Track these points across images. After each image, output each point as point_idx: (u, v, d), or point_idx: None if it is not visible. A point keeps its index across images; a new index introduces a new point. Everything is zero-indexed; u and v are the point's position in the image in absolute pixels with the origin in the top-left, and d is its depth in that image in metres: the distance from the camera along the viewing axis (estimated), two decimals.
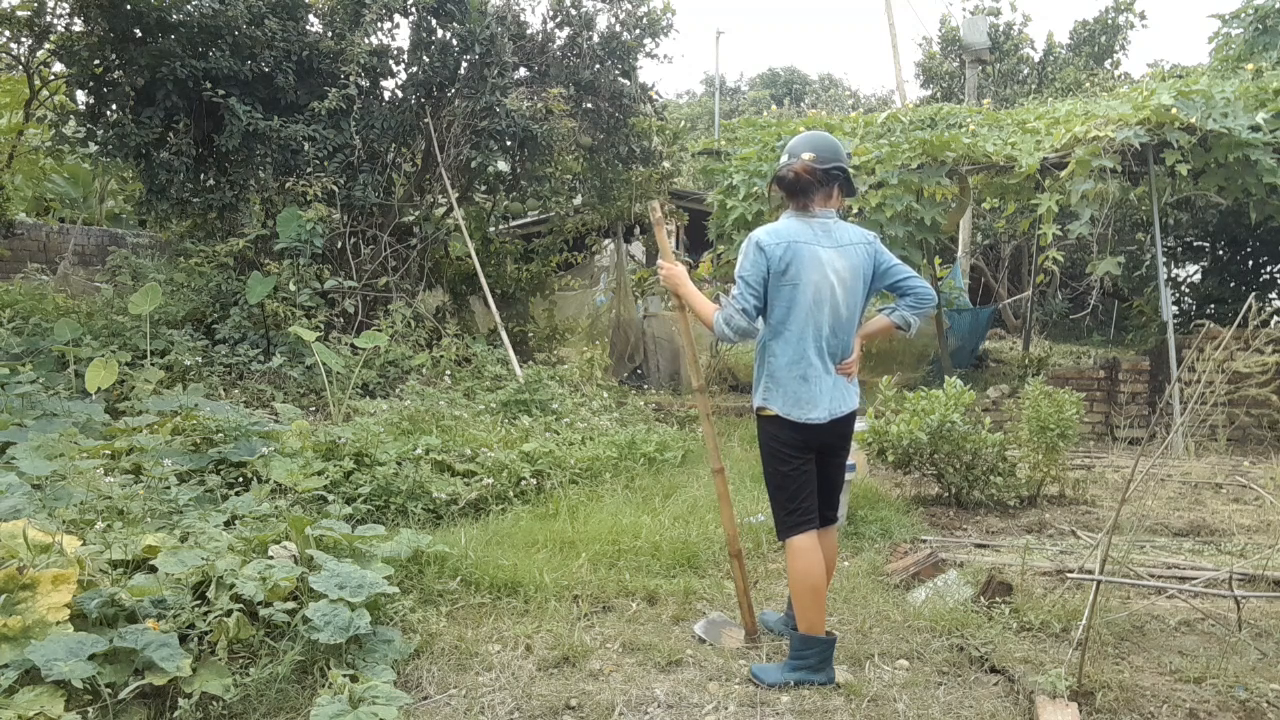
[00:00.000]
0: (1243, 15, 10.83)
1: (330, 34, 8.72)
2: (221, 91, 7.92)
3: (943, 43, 20.73)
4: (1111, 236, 8.97)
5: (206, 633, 2.80)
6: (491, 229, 10.95)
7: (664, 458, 6.34)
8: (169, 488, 4.09)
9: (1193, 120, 7.30)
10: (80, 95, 8.84)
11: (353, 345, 7.48)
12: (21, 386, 5.47)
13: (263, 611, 2.91)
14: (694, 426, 7.85)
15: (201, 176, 8.70)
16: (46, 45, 8.58)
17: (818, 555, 3.08)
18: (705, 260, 10.89)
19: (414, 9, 8.87)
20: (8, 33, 8.45)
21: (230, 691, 2.64)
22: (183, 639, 2.73)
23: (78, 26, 8.20)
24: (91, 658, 2.50)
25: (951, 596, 3.78)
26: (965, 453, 5.52)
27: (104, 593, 2.79)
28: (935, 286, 9.82)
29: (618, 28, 10.06)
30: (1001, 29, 20.05)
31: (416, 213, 9.67)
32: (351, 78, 8.31)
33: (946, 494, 5.73)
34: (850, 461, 3.97)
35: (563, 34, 9.99)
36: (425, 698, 2.92)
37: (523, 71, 9.88)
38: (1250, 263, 10.73)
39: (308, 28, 8.74)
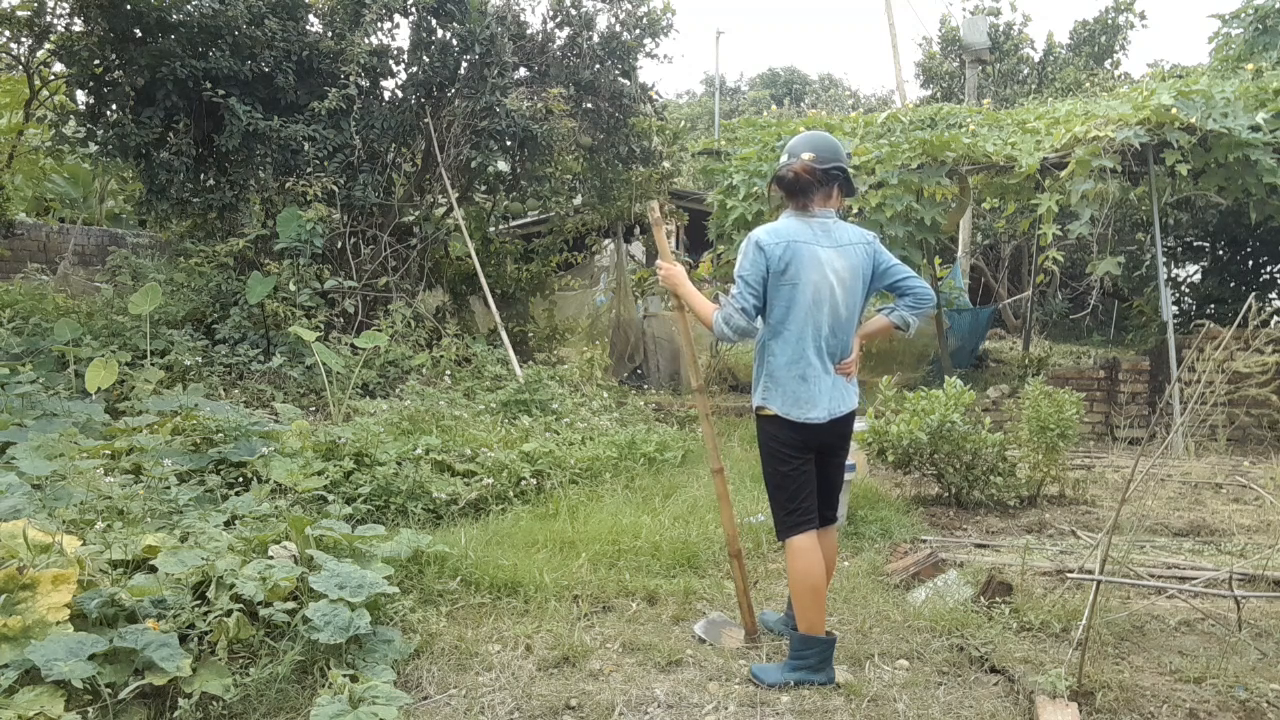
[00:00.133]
0: (1243, 15, 10.83)
1: (330, 34, 8.72)
2: (221, 91, 7.92)
3: (943, 43, 20.73)
4: (1111, 236, 8.97)
5: (206, 633, 2.81)
6: (491, 229, 10.95)
7: (664, 458, 6.34)
8: (169, 488, 4.09)
9: (1193, 120, 7.30)
10: (80, 95, 8.83)
11: (353, 345, 7.48)
12: (21, 386, 5.47)
13: (263, 611, 2.91)
14: (694, 426, 7.85)
15: (201, 176, 8.70)
16: (46, 45, 8.58)
17: (817, 555, 3.08)
18: (705, 260, 10.89)
19: (414, 9, 8.87)
20: (8, 33, 8.45)
21: (230, 691, 2.64)
22: (183, 639, 2.73)
23: (78, 26, 8.20)
24: (91, 658, 2.50)
25: (951, 596, 3.78)
26: (965, 453, 5.52)
27: (104, 593, 2.79)
28: (935, 286, 9.84)
29: (618, 28, 10.06)
30: (1001, 29, 20.05)
31: (416, 213, 9.67)
32: (351, 78, 8.31)
33: (946, 494, 5.73)
34: (850, 461, 3.97)
35: (563, 34, 9.99)
36: (425, 698, 2.92)
37: (523, 71, 9.88)
38: (1250, 263, 10.73)
39: (308, 28, 8.75)
